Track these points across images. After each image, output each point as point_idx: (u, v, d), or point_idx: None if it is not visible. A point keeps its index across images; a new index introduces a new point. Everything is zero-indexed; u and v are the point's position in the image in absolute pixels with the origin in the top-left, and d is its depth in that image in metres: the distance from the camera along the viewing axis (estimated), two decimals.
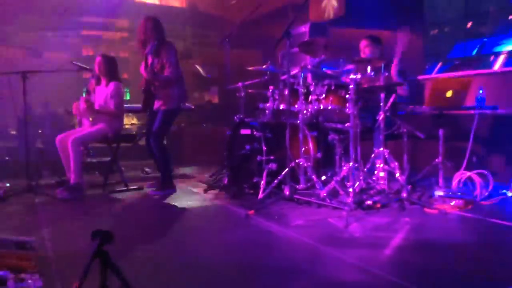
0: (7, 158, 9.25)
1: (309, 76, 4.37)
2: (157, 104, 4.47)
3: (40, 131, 9.58)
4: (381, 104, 3.85)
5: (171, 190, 4.47)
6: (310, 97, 4.04)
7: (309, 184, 4.00)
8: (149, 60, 4.26)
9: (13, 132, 10.34)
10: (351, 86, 3.60)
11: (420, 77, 6.60)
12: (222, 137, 5.20)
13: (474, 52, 6.61)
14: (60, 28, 11.33)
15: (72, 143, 4.28)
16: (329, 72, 4.39)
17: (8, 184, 4.45)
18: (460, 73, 6.17)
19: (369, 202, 3.57)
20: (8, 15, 10.24)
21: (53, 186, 4.65)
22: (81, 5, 10.37)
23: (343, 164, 3.93)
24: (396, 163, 3.81)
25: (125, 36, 11.67)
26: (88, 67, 4.76)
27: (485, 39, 6.42)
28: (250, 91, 4.81)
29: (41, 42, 12.19)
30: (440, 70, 6.93)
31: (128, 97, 13.35)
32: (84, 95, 4.53)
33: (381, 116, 3.86)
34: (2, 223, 3.35)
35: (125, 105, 6.81)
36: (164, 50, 4.35)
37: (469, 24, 6.85)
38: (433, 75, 6.70)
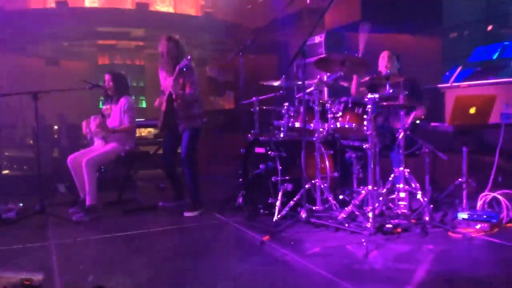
0: (25, 167, 9.34)
1: (325, 92, 4.23)
2: (181, 126, 4.41)
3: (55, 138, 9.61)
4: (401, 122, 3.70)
5: (202, 209, 4.40)
6: (326, 114, 3.91)
7: (326, 205, 3.87)
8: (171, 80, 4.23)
9: (31, 142, 10.41)
10: (369, 106, 3.46)
11: (440, 86, 6.39)
12: (237, 146, 5.03)
13: (495, 56, 6.38)
14: (76, 37, 11.41)
15: (86, 165, 4.21)
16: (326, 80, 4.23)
17: (21, 204, 4.40)
18: (483, 81, 5.96)
19: (389, 225, 3.42)
20: (25, 26, 10.35)
21: (68, 204, 4.61)
22: (97, 15, 10.41)
23: (361, 187, 3.76)
24: (417, 184, 3.65)
25: (140, 44, 11.68)
26: (100, 85, 4.71)
27: (507, 43, 6.19)
28: (264, 108, 4.67)
29: (58, 51, 12.30)
30: (460, 76, 6.70)
31: (144, 105, 13.31)
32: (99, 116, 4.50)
33: (401, 135, 3.71)
34: (11, 252, 3.28)
35: (141, 120, 6.73)
36: (186, 70, 4.29)
37: (490, 27, 6.61)
38: (453, 83, 6.48)
